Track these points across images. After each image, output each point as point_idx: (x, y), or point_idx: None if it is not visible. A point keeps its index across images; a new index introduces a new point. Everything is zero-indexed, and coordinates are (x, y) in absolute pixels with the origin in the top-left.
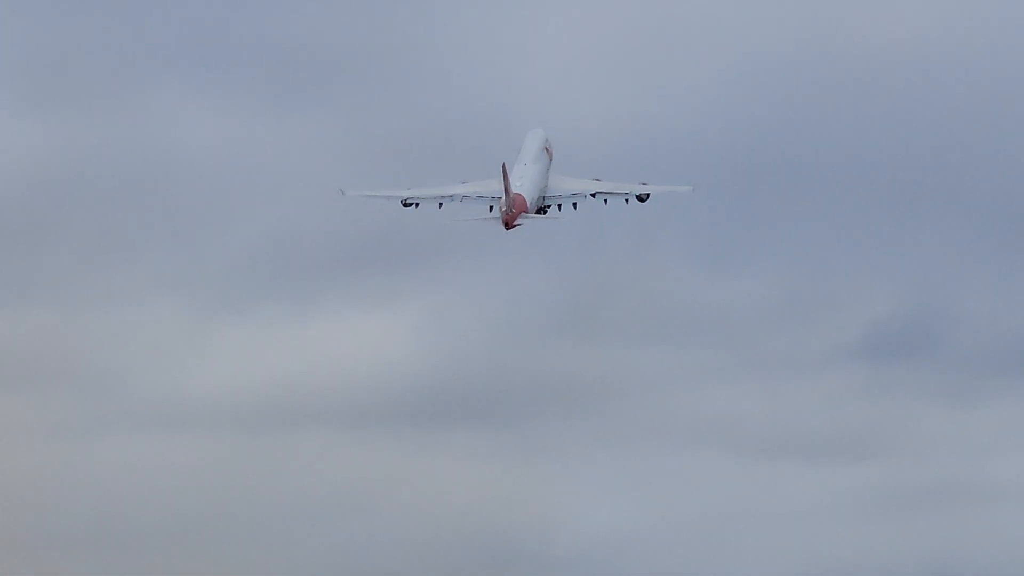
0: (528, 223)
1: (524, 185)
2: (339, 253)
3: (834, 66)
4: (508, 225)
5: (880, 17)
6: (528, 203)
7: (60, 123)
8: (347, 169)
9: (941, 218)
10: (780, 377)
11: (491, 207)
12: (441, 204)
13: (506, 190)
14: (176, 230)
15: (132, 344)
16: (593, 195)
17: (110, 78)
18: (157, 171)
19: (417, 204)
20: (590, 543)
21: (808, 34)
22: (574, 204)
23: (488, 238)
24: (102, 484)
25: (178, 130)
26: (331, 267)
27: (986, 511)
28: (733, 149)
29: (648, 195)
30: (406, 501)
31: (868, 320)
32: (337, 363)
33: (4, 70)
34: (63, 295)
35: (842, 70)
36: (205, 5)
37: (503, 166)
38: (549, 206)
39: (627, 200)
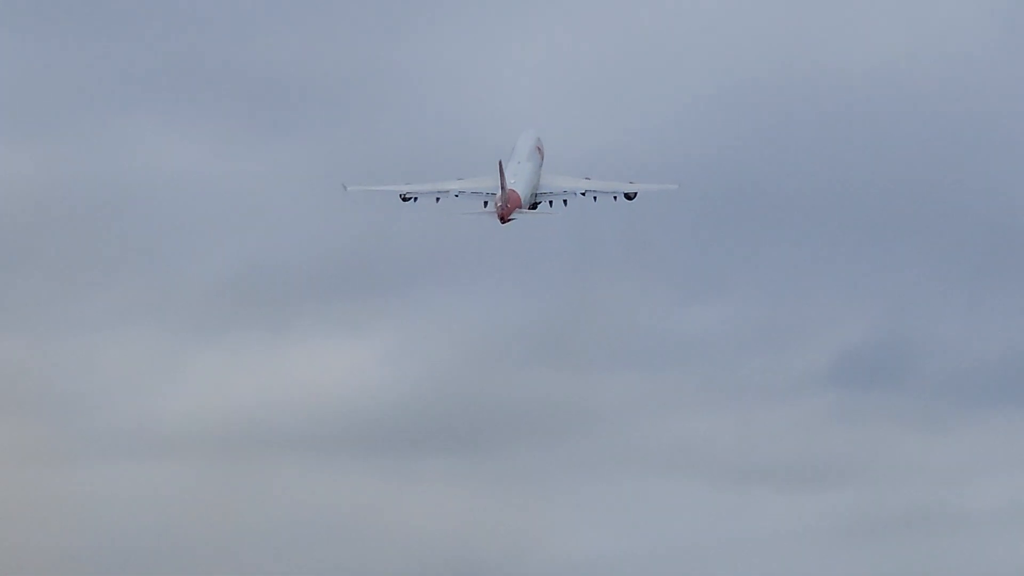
0: (521, 219)
1: (518, 182)
2: (312, 279)
3: (807, 92)
4: (503, 219)
5: (856, 43)
6: (522, 199)
7: (30, 150)
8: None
9: (914, 245)
10: (754, 403)
11: (485, 203)
12: (438, 199)
13: (502, 186)
14: (148, 257)
15: (103, 371)
16: (583, 193)
17: (80, 104)
18: (128, 197)
19: (415, 198)
20: (565, 569)
21: (783, 60)
22: (564, 201)
23: (459, 263)
24: (74, 511)
25: (149, 156)
26: (304, 293)
27: (958, 537)
28: (709, 175)
29: (635, 193)
30: (381, 528)
31: (841, 347)
32: (310, 390)
33: None
34: (34, 321)
35: (815, 96)
36: (176, 32)
37: (499, 163)
38: (540, 202)
39: (615, 198)
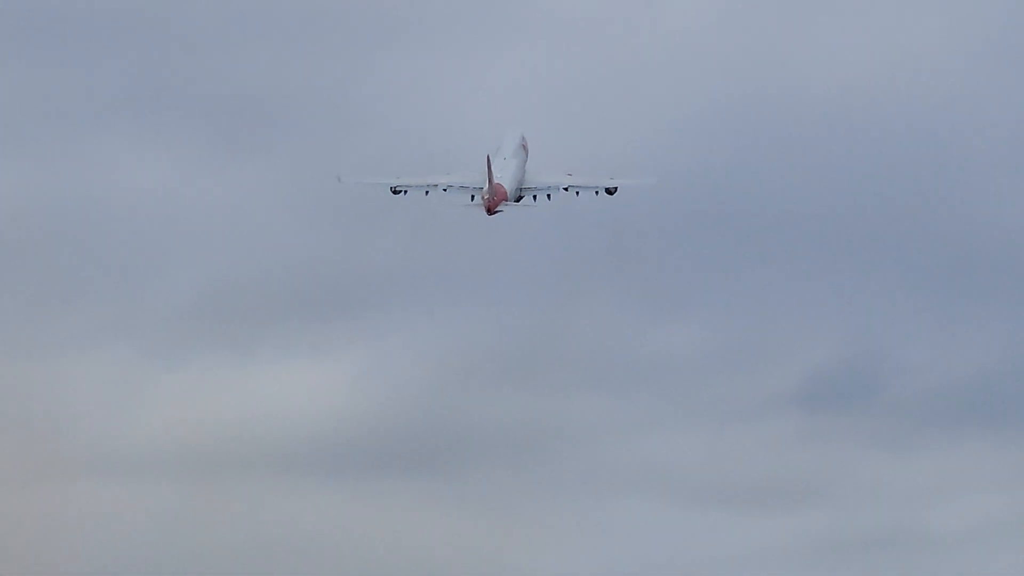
0: (508, 211)
1: (504, 176)
2: (281, 301)
3: (776, 114)
4: (490, 211)
5: (827, 65)
6: (508, 192)
7: None
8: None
9: (880, 267)
10: (722, 424)
11: (472, 196)
12: (428, 192)
13: (489, 179)
14: (117, 277)
15: (71, 392)
16: (566, 188)
17: (49, 125)
18: (97, 218)
19: (405, 191)
20: None
21: (753, 81)
22: (548, 195)
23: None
24: (42, 531)
25: (117, 177)
26: (273, 315)
27: (925, 559)
28: (678, 198)
29: (616, 188)
30: (348, 551)
31: (808, 368)
32: (278, 411)
33: None
34: (1, 342)
35: (784, 117)
36: (145, 53)
37: (487, 157)
38: (524, 196)
39: (597, 192)
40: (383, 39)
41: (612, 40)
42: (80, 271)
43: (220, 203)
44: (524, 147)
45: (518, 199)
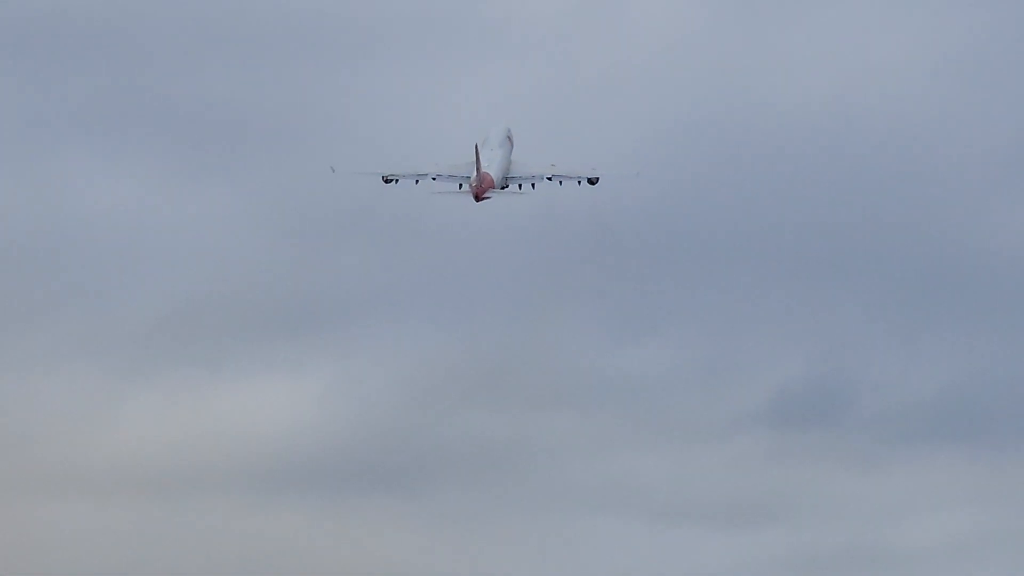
0: (495, 199)
1: (491, 166)
2: (249, 318)
3: (743, 133)
4: (478, 198)
5: (790, 85)
6: (495, 180)
7: None
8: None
9: (848, 286)
10: (689, 443)
11: (460, 184)
12: (418, 181)
13: (477, 167)
14: (83, 295)
15: (38, 409)
16: (549, 178)
17: (15, 144)
18: (63, 236)
19: (396, 180)
20: None
21: (718, 100)
22: (532, 184)
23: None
24: (9, 550)
25: (83, 195)
26: (240, 332)
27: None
28: (644, 215)
29: (598, 179)
30: (317, 567)
31: (775, 386)
32: (246, 428)
33: None
34: None
35: (748, 137)
36: (110, 71)
37: (476, 146)
38: (509, 185)
39: (579, 183)
40: (367, 44)
41: (594, 46)
42: (48, 289)
43: (188, 221)
44: (510, 139)
45: (504, 187)
